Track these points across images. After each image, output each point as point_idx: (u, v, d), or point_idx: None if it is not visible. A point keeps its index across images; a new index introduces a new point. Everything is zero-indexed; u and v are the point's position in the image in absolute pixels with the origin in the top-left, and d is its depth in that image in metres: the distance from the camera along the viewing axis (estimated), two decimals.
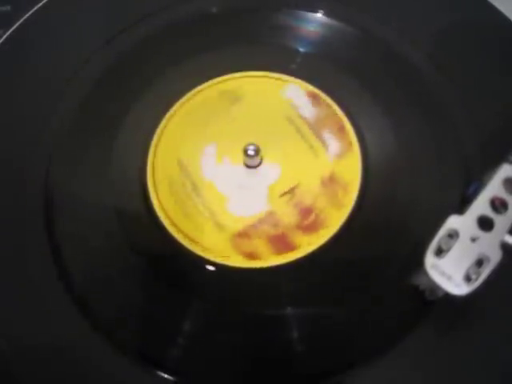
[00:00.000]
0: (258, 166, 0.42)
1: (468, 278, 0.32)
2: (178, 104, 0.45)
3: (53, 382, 0.37)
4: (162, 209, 0.41)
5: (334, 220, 0.40)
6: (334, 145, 0.43)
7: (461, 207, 0.34)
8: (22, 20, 0.48)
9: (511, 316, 0.37)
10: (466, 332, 0.36)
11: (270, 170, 0.42)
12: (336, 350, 0.37)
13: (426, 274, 0.32)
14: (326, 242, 0.39)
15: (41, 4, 0.49)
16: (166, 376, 0.36)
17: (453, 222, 0.33)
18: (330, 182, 0.41)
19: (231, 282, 0.39)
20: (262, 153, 0.42)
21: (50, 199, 0.42)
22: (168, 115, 0.44)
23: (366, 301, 0.38)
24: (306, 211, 0.40)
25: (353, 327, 0.38)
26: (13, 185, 0.42)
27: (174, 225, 0.40)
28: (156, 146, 0.43)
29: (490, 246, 0.32)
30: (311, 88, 0.45)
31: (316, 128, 0.44)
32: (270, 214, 0.41)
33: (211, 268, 0.39)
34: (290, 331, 0.37)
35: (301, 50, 0.47)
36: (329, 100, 0.45)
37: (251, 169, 0.42)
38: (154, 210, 0.41)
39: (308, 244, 0.39)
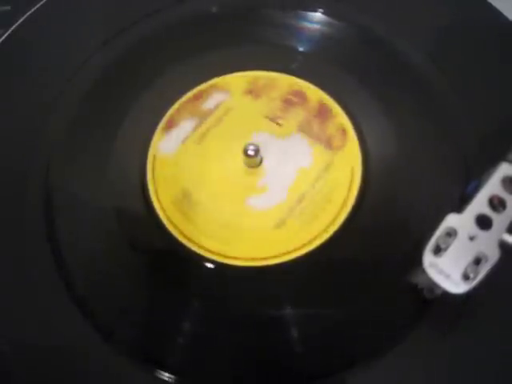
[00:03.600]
0: (258, 165, 0.42)
1: (466, 277, 0.32)
2: (178, 104, 0.45)
3: (53, 382, 0.37)
4: (162, 208, 0.41)
5: (334, 220, 0.40)
6: (333, 144, 0.43)
7: (459, 206, 0.34)
8: (21, 20, 0.48)
9: (511, 316, 0.37)
10: (466, 332, 0.36)
11: (270, 170, 0.42)
12: (336, 350, 0.37)
13: (424, 272, 0.32)
14: (326, 241, 0.39)
15: (41, 4, 0.49)
16: (166, 376, 0.36)
17: (451, 220, 0.33)
18: (330, 182, 0.41)
19: (231, 282, 0.39)
20: (262, 153, 0.42)
21: (49, 199, 0.42)
22: (168, 115, 0.45)
23: (366, 301, 0.38)
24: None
25: (353, 327, 0.38)
26: (13, 185, 0.42)
27: (174, 224, 0.40)
28: (156, 145, 0.43)
29: (488, 245, 0.32)
30: (311, 88, 0.45)
31: (316, 128, 0.44)
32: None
33: (211, 267, 0.39)
34: (290, 331, 0.37)
35: (301, 49, 0.47)
36: (329, 100, 0.45)
37: (251, 169, 0.42)
38: (153, 210, 0.41)
39: (307, 244, 0.39)
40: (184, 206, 0.41)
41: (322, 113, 0.44)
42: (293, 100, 0.45)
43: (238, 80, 0.46)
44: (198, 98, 0.45)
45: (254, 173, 0.42)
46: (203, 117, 0.45)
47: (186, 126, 0.44)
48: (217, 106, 0.45)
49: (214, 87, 0.46)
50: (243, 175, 0.42)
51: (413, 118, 0.44)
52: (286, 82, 0.46)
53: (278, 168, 0.42)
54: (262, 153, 0.42)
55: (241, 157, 0.42)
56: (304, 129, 0.44)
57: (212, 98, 0.45)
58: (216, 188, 0.42)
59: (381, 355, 0.36)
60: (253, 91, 0.45)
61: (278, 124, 0.44)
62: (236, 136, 0.43)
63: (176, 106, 0.45)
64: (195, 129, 0.44)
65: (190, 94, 0.45)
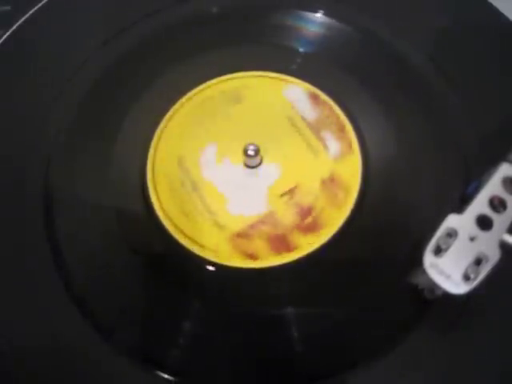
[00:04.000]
0: (258, 165, 0.42)
1: (467, 277, 0.32)
2: (177, 104, 0.45)
3: (53, 382, 0.37)
4: (162, 209, 0.41)
5: (334, 220, 0.40)
6: (334, 145, 0.43)
7: (460, 206, 0.34)
8: (21, 20, 0.48)
9: (511, 316, 0.37)
10: (466, 332, 0.36)
11: (270, 170, 0.42)
12: (336, 350, 0.37)
13: (424, 272, 0.32)
14: (326, 242, 0.39)
15: (41, 4, 0.49)
16: (166, 376, 0.36)
17: (452, 221, 0.33)
18: (330, 182, 0.41)
19: (231, 282, 0.39)
20: (262, 153, 0.42)
21: (49, 199, 0.42)
22: (168, 115, 0.45)
23: (366, 301, 0.38)
24: (305, 211, 0.40)
25: (353, 327, 0.38)
26: (13, 185, 0.42)
27: (174, 224, 0.40)
28: (156, 145, 0.43)
29: (488, 245, 0.32)
30: (311, 88, 0.45)
31: (316, 128, 0.44)
32: (270, 214, 0.41)
33: (211, 268, 0.39)
34: (290, 331, 0.37)
35: (301, 49, 0.47)
36: (329, 100, 0.45)
37: (251, 169, 0.42)
38: (153, 210, 0.41)
39: (308, 244, 0.39)
40: (184, 206, 0.41)
41: (322, 113, 0.44)
42: None
43: (237, 80, 0.46)
44: (198, 97, 0.45)
45: (254, 173, 0.42)
46: (203, 117, 0.45)
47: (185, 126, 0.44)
48: (217, 106, 0.45)
49: (214, 87, 0.46)
50: (243, 175, 0.42)
51: (413, 118, 0.44)
52: (285, 82, 0.46)
53: (278, 168, 0.42)
54: (263, 152, 0.42)
55: (241, 157, 0.42)
56: (304, 129, 0.44)
57: (212, 97, 0.45)
58: (216, 188, 0.42)
59: (381, 355, 0.36)
60: (253, 91, 0.45)
61: (277, 124, 0.44)
62: (236, 136, 0.44)
63: (176, 105, 0.45)
64: (195, 129, 0.44)
65: (190, 94, 0.45)
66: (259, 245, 0.39)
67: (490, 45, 0.46)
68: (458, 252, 0.32)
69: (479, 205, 0.34)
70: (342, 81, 0.46)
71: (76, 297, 0.38)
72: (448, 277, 0.32)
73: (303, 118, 0.44)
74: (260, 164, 0.42)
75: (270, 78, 0.46)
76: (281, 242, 0.39)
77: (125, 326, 0.38)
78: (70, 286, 0.39)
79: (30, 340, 0.38)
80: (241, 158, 0.42)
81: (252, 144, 0.41)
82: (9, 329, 0.38)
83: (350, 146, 0.43)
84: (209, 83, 0.46)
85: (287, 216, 0.40)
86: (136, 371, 0.36)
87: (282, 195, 0.41)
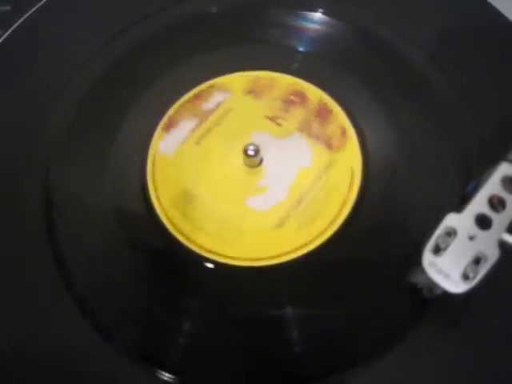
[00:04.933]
0: (258, 165, 0.42)
1: (466, 277, 0.32)
2: (177, 104, 0.45)
3: (53, 382, 0.37)
4: (162, 208, 0.41)
5: (334, 220, 0.40)
6: (333, 145, 0.43)
7: (459, 205, 0.34)
8: (21, 20, 0.48)
9: (511, 316, 0.37)
10: (466, 332, 0.36)
11: (271, 171, 0.42)
12: (336, 349, 0.37)
13: (423, 272, 0.32)
14: (326, 241, 0.39)
15: (41, 4, 0.49)
16: (166, 376, 0.36)
17: (451, 220, 0.33)
18: (330, 181, 0.41)
19: (231, 282, 0.39)
20: (262, 153, 0.42)
21: (49, 199, 0.42)
22: (168, 115, 0.45)
23: (366, 301, 0.38)
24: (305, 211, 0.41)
25: (353, 327, 0.38)
26: (13, 185, 0.42)
27: (174, 224, 0.40)
28: (156, 145, 0.43)
29: (487, 245, 0.32)
30: (311, 88, 0.45)
31: (316, 128, 0.44)
32: (270, 213, 0.41)
33: (211, 267, 0.39)
34: (290, 331, 0.37)
35: (301, 49, 0.47)
36: (329, 100, 0.45)
37: (251, 168, 0.42)
38: (153, 210, 0.41)
39: (307, 244, 0.39)
40: (184, 205, 0.41)
41: (322, 113, 0.44)
42: (293, 100, 0.45)
43: (238, 80, 0.46)
44: (198, 97, 0.45)
45: (254, 173, 0.42)
46: (203, 117, 0.45)
47: (186, 126, 0.44)
48: (217, 106, 0.45)
49: (214, 87, 0.46)
50: (243, 175, 0.42)
51: (413, 118, 0.44)
52: (286, 82, 0.46)
53: (278, 168, 0.42)
54: (262, 153, 0.42)
55: (241, 157, 0.42)
56: (304, 129, 0.44)
57: (212, 97, 0.45)
58: (216, 188, 0.42)
59: (381, 355, 0.36)
60: (253, 91, 0.45)
61: (278, 124, 0.44)
62: (236, 136, 0.43)
63: (176, 106, 0.45)
64: (195, 129, 0.44)
65: (190, 94, 0.46)
66: (260, 243, 0.40)
67: (490, 45, 0.46)
68: (457, 251, 0.32)
69: (478, 204, 0.34)
70: (341, 80, 0.46)
71: (76, 296, 0.38)
72: (447, 276, 0.32)
73: (303, 118, 0.44)
74: (260, 164, 0.43)
75: (269, 77, 0.46)
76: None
77: (125, 325, 0.38)
78: (70, 286, 0.39)
79: (29, 340, 0.38)
80: (241, 157, 0.42)
81: (252, 144, 0.41)
82: (9, 329, 0.38)
83: (349, 145, 0.43)
84: (209, 83, 0.46)
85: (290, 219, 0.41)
86: (136, 371, 0.36)
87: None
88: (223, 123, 0.44)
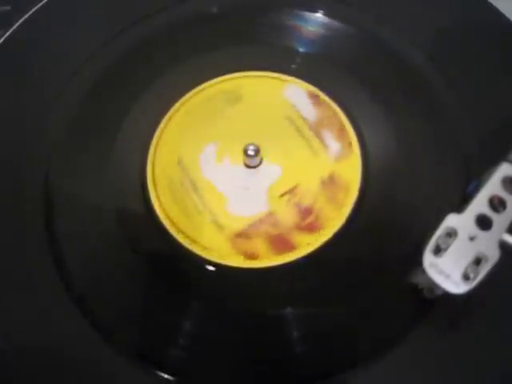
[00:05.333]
0: (258, 165, 0.42)
1: (466, 277, 0.32)
2: (177, 104, 0.45)
3: (53, 382, 0.37)
4: (162, 209, 0.41)
5: (334, 220, 0.40)
6: (334, 145, 0.43)
7: (459, 206, 0.34)
8: (22, 20, 0.48)
9: (511, 316, 0.37)
10: (466, 332, 0.36)
11: (270, 170, 0.42)
12: (336, 349, 0.37)
13: (424, 272, 0.32)
14: (326, 242, 0.39)
15: (41, 4, 0.49)
16: (165, 376, 0.36)
17: (451, 220, 0.33)
18: (330, 182, 0.41)
19: (231, 282, 0.39)
20: (262, 153, 0.42)
21: (49, 199, 0.42)
22: (168, 115, 0.45)
23: (366, 301, 0.38)
24: (305, 211, 0.40)
25: (353, 327, 0.38)
26: (13, 185, 0.42)
27: (174, 225, 0.40)
28: (156, 146, 0.43)
29: (488, 245, 0.32)
30: (311, 88, 0.45)
31: (316, 128, 0.44)
32: (270, 213, 0.41)
33: (211, 268, 0.39)
34: (290, 331, 0.37)
35: (301, 49, 0.47)
36: (329, 100, 0.45)
37: (251, 169, 0.42)
38: (153, 210, 0.41)
39: (307, 244, 0.39)
40: (184, 206, 0.41)
41: (322, 113, 0.44)
42: None
43: (237, 80, 0.46)
44: (198, 97, 0.45)
45: (254, 173, 0.42)
46: (203, 117, 0.45)
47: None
48: (217, 106, 0.45)
49: (214, 87, 0.46)
50: (243, 175, 0.42)
51: (413, 118, 0.44)
52: (286, 82, 0.46)
53: (278, 168, 0.42)
54: (263, 153, 0.42)
55: (241, 157, 0.42)
56: (304, 129, 0.44)
57: (212, 97, 0.45)
58: (216, 188, 0.42)
59: (381, 355, 0.36)
60: (253, 91, 0.45)
61: (277, 124, 0.44)
62: (236, 136, 0.44)
63: (176, 106, 0.45)
64: (195, 129, 0.44)
65: (190, 94, 0.46)
66: (259, 245, 0.39)
67: (490, 45, 0.46)
68: (458, 252, 0.32)
69: (479, 204, 0.34)
70: (341, 81, 0.46)
71: (76, 297, 0.38)
72: (447, 276, 0.32)
73: (303, 118, 0.44)
74: (260, 164, 0.42)
75: (269, 77, 0.46)
76: (281, 242, 0.39)
77: (124, 325, 0.38)
78: (69, 286, 0.39)
79: (30, 340, 0.38)
80: (241, 157, 0.42)
81: (252, 144, 0.41)
82: (9, 329, 0.38)
83: (349, 145, 0.43)
84: (208, 83, 0.46)
85: (287, 216, 0.40)
86: (136, 371, 0.36)
87: (282, 195, 0.41)
88: (223, 123, 0.44)
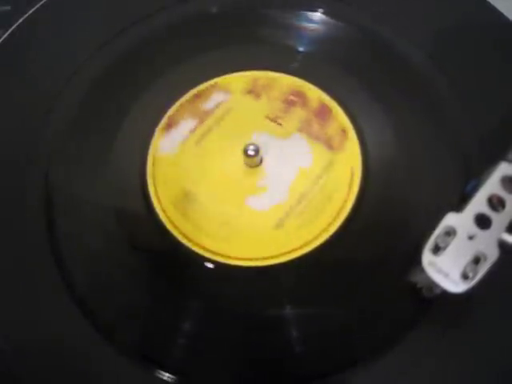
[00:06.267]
0: (258, 165, 0.42)
1: (465, 276, 0.32)
2: (177, 104, 0.45)
3: (53, 382, 0.37)
4: (162, 208, 0.41)
5: (334, 220, 0.40)
6: (333, 144, 0.43)
7: (459, 205, 0.34)
8: (21, 20, 0.48)
9: (511, 316, 0.37)
10: (466, 332, 0.36)
11: (269, 170, 0.42)
12: (336, 349, 0.37)
13: (423, 271, 0.32)
14: (326, 242, 0.39)
15: (41, 4, 0.49)
16: (166, 376, 0.36)
17: (450, 219, 0.33)
18: (330, 181, 0.41)
19: (231, 282, 0.39)
20: (262, 153, 0.42)
21: (50, 199, 0.42)
22: (168, 115, 0.45)
23: (366, 300, 0.38)
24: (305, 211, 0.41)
25: (353, 327, 0.38)
26: (13, 185, 0.42)
27: (174, 224, 0.40)
28: (156, 145, 0.43)
29: (487, 244, 0.32)
30: (311, 88, 0.45)
31: (316, 128, 0.44)
32: (270, 214, 0.41)
33: (211, 267, 0.39)
34: (290, 331, 0.37)
35: (301, 49, 0.47)
36: (329, 100, 0.45)
37: (251, 168, 0.42)
38: (153, 210, 0.41)
39: (308, 244, 0.39)
40: (184, 205, 0.41)
41: (322, 113, 0.44)
42: (293, 100, 0.45)
43: (238, 80, 0.46)
44: (198, 98, 0.45)
45: (254, 173, 0.42)
46: (203, 117, 0.45)
47: (185, 126, 0.44)
48: (217, 106, 0.45)
49: (214, 87, 0.46)
50: (243, 175, 0.42)
51: (413, 118, 0.44)
52: (286, 82, 0.46)
53: (278, 168, 0.42)
54: (262, 153, 0.42)
55: (241, 157, 0.42)
56: (304, 129, 0.44)
57: (212, 98, 0.45)
58: (216, 188, 0.42)
59: (381, 355, 0.36)
60: (253, 91, 0.45)
61: (278, 124, 0.44)
62: (236, 136, 0.43)
63: (176, 106, 0.45)
64: (195, 129, 0.44)
65: (189, 94, 0.46)
66: (260, 243, 0.40)
67: (490, 45, 0.46)
68: (457, 250, 0.32)
69: (478, 204, 0.34)
70: (341, 80, 0.46)
71: (76, 296, 0.38)
72: (446, 275, 0.32)
73: (303, 118, 0.44)
74: (260, 164, 0.43)
75: (269, 77, 0.46)
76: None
77: (125, 325, 0.38)
78: (70, 286, 0.39)
79: (30, 340, 0.38)
80: (241, 157, 0.42)
81: (252, 144, 0.41)
82: (9, 329, 0.38)
83: (349, 145, 0.43)
84: (208, 83, 0.46)
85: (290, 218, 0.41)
86: (136, 371, 0.36)
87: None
88: (223, 123, 0.44)
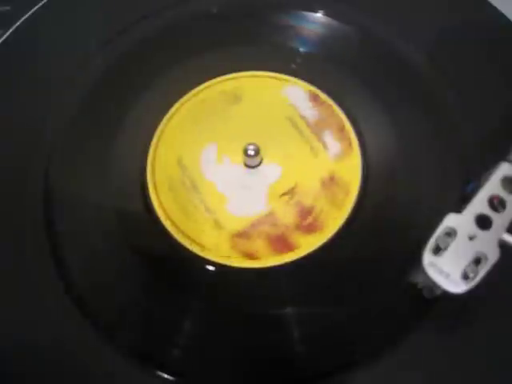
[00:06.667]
0: (258, 165, 0.42)
1: (466, 277, 0.32)
2: (177, 104, 0.45)
3: (53, 382, 0.37)
4: (162, 209, 0.41)
5: (334, 220, 0.40)
6: (334, 145, 0.43)
7: (459, 206, 0.34)
8: (22, 20, 0.48)
9: (511, 316, 0.37)
10: (466, 332, 0.36)
11: (270, 170, 0.42)
12: (336, 349, 0.37)
13: (423, 272, 0.32)
14: (326, 242, 0.39)
15: (41, 4, 0.49)
16: (166, 376, 0.36)
17: (451, 220, 0.33)
18: (330, 182, 0.41)
19: (231, 282, 0.39)
20: (262, 153, 0.42)
21: (49, 199, 0.42)
22: (168, 115, 0.45)
23: (366, 301, 0.38)
24: (305, 212, 0.40)
25: (353, 327, 0.38)
26: (13, 185, 0.42)
27: (174, 225, 0.40)
28: (156, 145, 0.43)
29: (487, 245, 0.32)
30: (311, 88, 0.45)
31: (316, 128, 0.44)
32: (270, 213, 0.41)
33: (211, 268, 0.39)
34: (290, 331, 0.37)
35: (301, 49, 0.47)
36: (329, 100, 0.45)
37: (251, 169, 0.42)
38: (154, 210, 0.41)
39: (307, 244, 0.39)
40: (184, 206, 0.41)
41: (322, 113, 0.44)
42: None
43: (238, 80, 0.46)
44: (198, 97, 0.45)
45: (254, 173, 0.42)
46: (203, 117, 0.45)
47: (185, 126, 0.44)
48: (217, 106, 0.45)
49: (214, 87, 0.46)
50: (243, 175, 0.42)
51: (413, 118, 0.44)
52: (286, 82, 0.46)
53: (278, 168, 0.42)
54: (262, 153, 0.42)
55: (241, 157, 0.42)
56: (304, 129, 0.44)
57: (212, 97, 0.45)
58: (216, 188, 0.42)
59: (381, 355, 0.36)
60: (253, 91, 0.46)
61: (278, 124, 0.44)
62: (236, 136, 0.44)
63: (176, 105, 0.45)
64: (195, 128, 0.44)
65: (190, 94, 0.46)
66: (259, 245, 0.39)
67: (490, 45, 0.46)
68: (457, 251, 0.32)
69: (479, 204, 0.34)
70: (341, 81, 0.46)
71: (76, 297, 0.38)
72: (447, 276, 0.32)
73: (303, 118, 0.44)
74: (260, 164, 0.42)
75: (269, 77, 0.46)
76: (281, 242, 0.39)
77: (125, 326, 0.38)
78: (69, 286, 0.39)
79: (30, 340, 0.38)
80: (241, 157, 0.42)
81: (252, 144, 0.41)
82: (9, 329, 0.38)
83: (350, 145, 0.43)
84: (208, 83, 0.46)
85: (287, 216, 0.40)
86: (136, 371, 0.36)
87: (282, 195, 0.41)
88: (223, 123, 0.44)
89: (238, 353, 0.37)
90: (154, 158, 0.43)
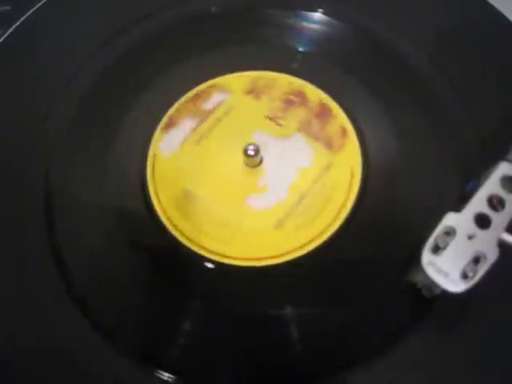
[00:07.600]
0: (258, 165, 0.42)
1: (465, 276, 0.32)
2: (177, 104, 0.45)
3: (53, 382, 0.37)
4: (162, 208, 0.41)
5: (334, 220, 0.40)
6: (333, 144, 0.43)
7: (458, 205, 0.34)
8: (21, 20, 0.48)
9: (511, 316, 0.37)
10: (466, 332, 0.36)
11: (269, 169, 0.42)
12: (336, 349, 0.37)
13: (423, 271, 0.32)
14: (326, 241, 0.39)
15: (41, 4, 0.49)
16: (165, 376, 0.36)
17: (450, 219, 0.33)
18: (330, 181, 0.41)
19: (231, 282, 0.39)
20: (262, 152, 0.42)
21: (49, 199, 0.42)
22: (168, 115, 0.45)
23: (366, 300, 0.38)
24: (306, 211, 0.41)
25: (353, 327, 0.37)
26: (13, 185, 0.42)
27: (174, 224, 0.40)
28: (156, 145, 0.43)
29: (487, 244, 0.32)
30: (311, 88, 0.45)
31: (316, 128, 0.44)
32: (270, 213, 0.41)
33: (211, 267, 0.39)
34: (290, 331, 0.37)
35: (301, 49, 0.47)
36: (329, 100, 0.45)
37: (251, 168, 0.42)
38: (153, 210, 0.41)
39: (307, 244, 0.39)
40: (184, 205, 0.41)
41: (322, 113, 0.44)
42: (293, 100, 0.45)
43: (238, 80, 0.46)
44: (198, 97, 0.45)
45: (254, 173, 0.42)
46: (203, 117, 0.45)
47: (186, 126, 0.44)
48: (217, 106, 0.45)
49: (214, 87, 0.46)
50: (243, 175, 0.42)
51: (413, 118, 0.44)
52: (286, 81, 0.46)
53: (278, 168, 0.42)
54: (263, 153, 0.42)
55: (241, 157, 0.42)
56: (304, 129, 0.44)
57: (212, 97, 0.45)
58: (216, 188, 0.42)
59: (381, 355, 0.36)
60: (253, 91, 0.46)
61: (278, 124, 0.44)
62: (236, 136, 0.43)
63: (176, 105, 0.45)
64: (195, 129, 0.44)
65: (190, 94, 0.46)
66: (260, 243, 0.40)
67: (490, 45, 0.46)
68: (457, 250, 0.32)
69: (478, 203, 0.34)
70: (341, 80, 0.46)
71: (76, 297, 0.38)
72: (446, 275, 0.32)
73: (303, 118, 0.44)
74: (260, 164, 0.43)
75: (269, 77, 0.46)
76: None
77: (125, 325, 0.38)
78: (70, 286, 0.39)
79: (30, 340, 0.38)
80: (241, 157, 0.42)
81: (252, 144, 0.41)
82: (9, 329, 0.38)
83: (349, 145, 0.43)
84: (208, 83, 0.46)
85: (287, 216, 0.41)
86: (136, 371, 0.36)
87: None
88: (223, 123, 0.44)
89: (237, 352, 0.37)
90: (154, 158, 0.43)
